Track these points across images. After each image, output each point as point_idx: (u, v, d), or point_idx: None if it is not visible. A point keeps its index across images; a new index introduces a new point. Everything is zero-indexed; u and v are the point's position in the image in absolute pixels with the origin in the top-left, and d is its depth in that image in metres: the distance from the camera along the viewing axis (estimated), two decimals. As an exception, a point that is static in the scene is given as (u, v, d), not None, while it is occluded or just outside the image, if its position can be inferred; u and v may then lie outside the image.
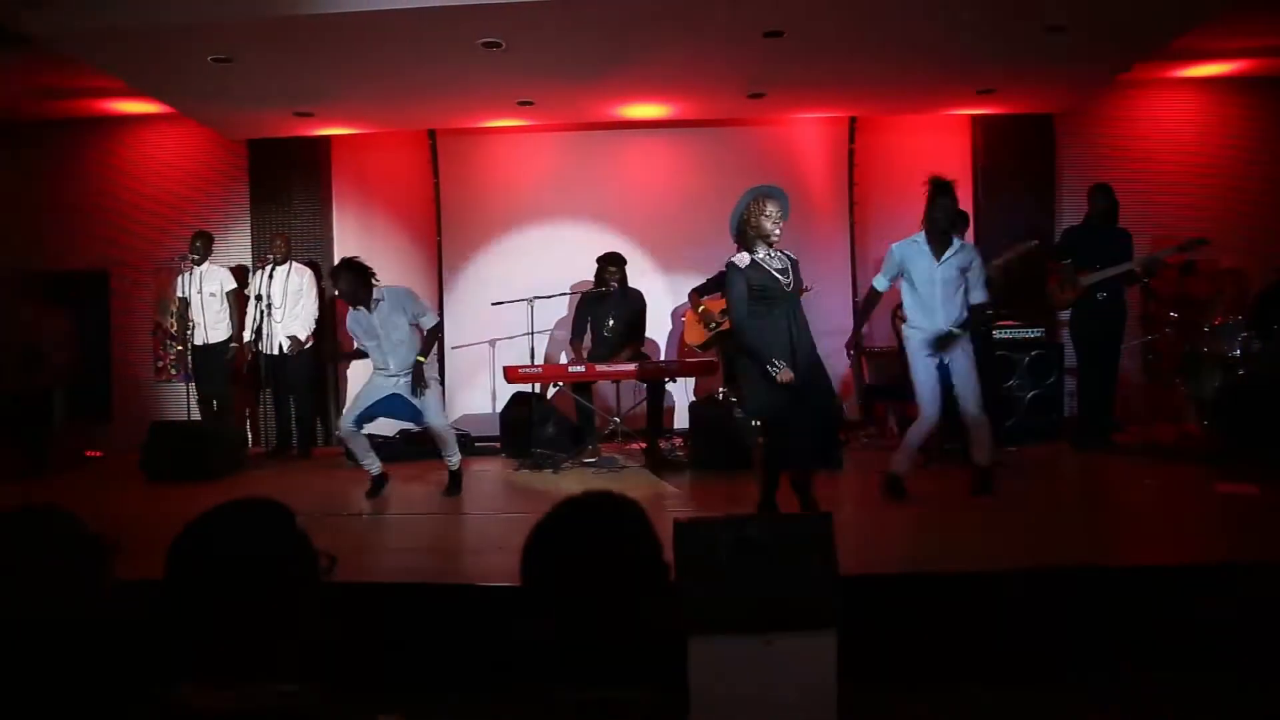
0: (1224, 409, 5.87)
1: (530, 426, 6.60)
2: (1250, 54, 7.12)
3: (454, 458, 5.73)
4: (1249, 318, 6.27)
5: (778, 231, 4.39)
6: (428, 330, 5.63)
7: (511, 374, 6.57)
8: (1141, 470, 5.86)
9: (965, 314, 4.92)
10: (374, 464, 5.70)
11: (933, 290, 4.87)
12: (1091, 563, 3.72)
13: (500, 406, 7.41)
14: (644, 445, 6.79)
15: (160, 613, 1.26)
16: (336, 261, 5.91)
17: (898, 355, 6.75)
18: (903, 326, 5.08)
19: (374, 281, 5.43)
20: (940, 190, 4.87)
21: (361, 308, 5.42)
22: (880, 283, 5.17)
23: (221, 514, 1.28)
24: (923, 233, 4.92)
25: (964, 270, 4.92)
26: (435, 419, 5.63)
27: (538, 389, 7.02)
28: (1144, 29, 5.89)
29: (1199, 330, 6.44)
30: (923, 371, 4.90)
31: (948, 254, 4.87)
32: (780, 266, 4.44)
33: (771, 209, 4.37)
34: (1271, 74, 7.54)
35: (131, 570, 3.38)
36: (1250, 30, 6.51)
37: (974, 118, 7.94)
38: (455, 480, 5.77)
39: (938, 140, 8.01)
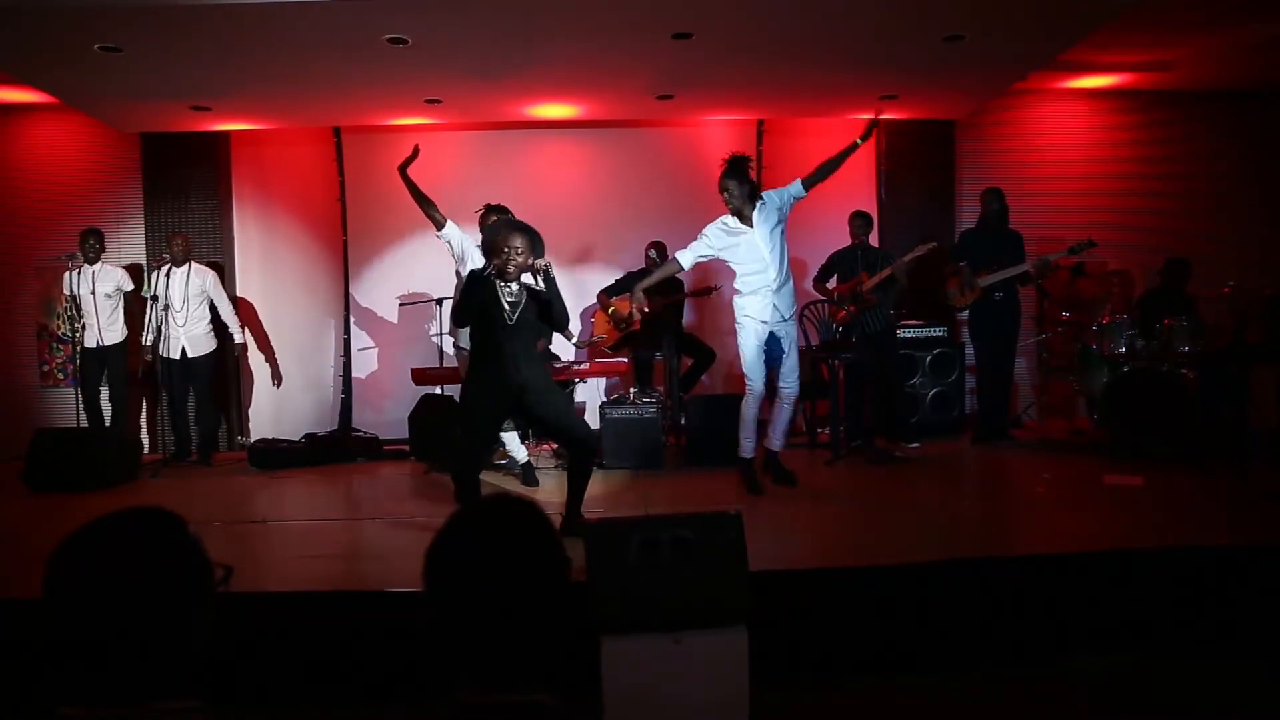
0: (1111, 404, 6.14)
1: (439, 429, 6.49)
2: (1131, 68, 7.49)
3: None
4: (1133, 317, 6.58)
5: (511, 267, 4.19)
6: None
7: (419, 375, 6.47)
8: (1038, 464, 6.09)
9: (789, 271, 5.16)
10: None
11: (762, 251, 5.03)
12: (995, 553, 3.83)
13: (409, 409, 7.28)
14: (554, 446, 6.75)
15: (37, 631, 1.19)
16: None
17: (802, 355, 6.91)
18: (735, 299, 5.18)
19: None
20: (724, 174, 5.04)
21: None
22: (686, 259, 5.15)
23: (103, 525, 1.21)
24: (729, 214, 5.09)
25: (780, 212, 5.10)
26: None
27: (446, 390, 6.92)
28: (1036, 39, 6.12)
29: (1088, 329, 6.72)
30: (753, 345, 5.08)
31: (757, 216, 5.05)
32: (512, 299, 4.27)
33: (518, 242, 4.19)
34: (1150, 86, 7.94)
35: (12, 588, 3.19)
36: (1130, 45, 6.86)
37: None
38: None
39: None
